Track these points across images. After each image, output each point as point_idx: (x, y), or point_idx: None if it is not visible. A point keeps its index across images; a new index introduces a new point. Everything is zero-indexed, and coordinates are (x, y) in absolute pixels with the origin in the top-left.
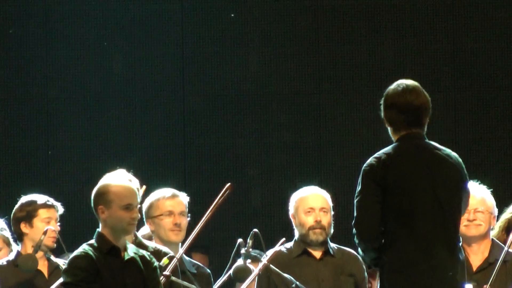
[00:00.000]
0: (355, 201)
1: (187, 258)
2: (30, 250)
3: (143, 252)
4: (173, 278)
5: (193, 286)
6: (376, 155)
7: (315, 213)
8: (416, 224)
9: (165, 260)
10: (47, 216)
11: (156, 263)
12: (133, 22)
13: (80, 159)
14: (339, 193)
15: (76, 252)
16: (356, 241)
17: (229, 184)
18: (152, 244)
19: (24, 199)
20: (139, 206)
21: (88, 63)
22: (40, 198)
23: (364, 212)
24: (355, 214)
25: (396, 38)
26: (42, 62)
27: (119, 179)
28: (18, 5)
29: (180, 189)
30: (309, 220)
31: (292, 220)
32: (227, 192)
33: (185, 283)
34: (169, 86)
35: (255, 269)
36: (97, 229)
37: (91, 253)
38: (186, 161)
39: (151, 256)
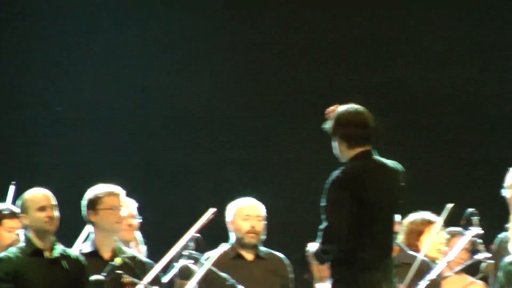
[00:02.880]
0: (325, 208)
1: (129, 250)
2: None
3: (71, 252)
4: (125, 276)
5: (139, 281)
6: (342, 169)
7: (251, 219)
8: (378, 235)
9: (118, 260)
10: (11, 226)
11: (85, 263)
12: (101, 52)
13: (51, 174)
14: (275, 205)
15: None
16: (323, 243)
17: (214, 210)
18: (129, 251)
19: None
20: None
21: (60, 87)
22: (6, 208)
23: (336, 217)
24: (326, 219)
25: (331, 69)
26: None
27: (33, 189)
28: None
29: (140, 200)
30: (245, 226)
31: (229, 226)
32: (212, 216)
33: (135, 280)
34: (132, 110)
35: (197, 269)
36: (25, 233)
37: (12, 255)
38: (146, 176)
39: (80, 256)
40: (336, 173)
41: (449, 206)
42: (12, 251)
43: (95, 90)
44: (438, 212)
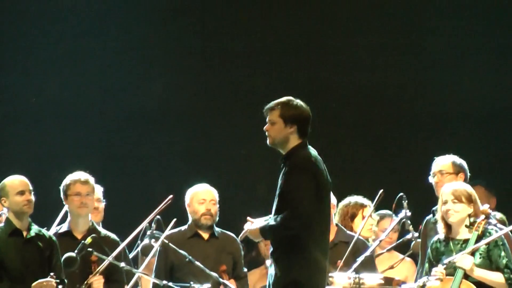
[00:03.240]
0: (293, 189)
1: (103, 231)
2: None
3: (45, 232)
4: (95, 253)
5: (107, 257)
6: (302, 155)
7: (206, 203)
8: (324, 215)
9: (89, 239)
10: None
11: (56, 242)
12: (66, 54)
13: (23, 163)
14: (223, 189)
15: None
16: (289, 219)
17: (171, 196)
18: (103, 231)
19: None
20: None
21: (29, 85)
22: None
23: (303, 197)
24: (294, 199)
25: (267, 71)
26: None
27: (12, 176)
28: None
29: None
30: (201, 208)
31: (187, 208)
32: (168, 202)
33: (103, 256)
34: (93, 106)
35: (156, 245)
36: (6, 215)
37: None
38: (105, 165)
39: (52, 237)
40: (297, 158)
41: (380, 191)
42: None
43: (60, 88)
44: (370, 196)
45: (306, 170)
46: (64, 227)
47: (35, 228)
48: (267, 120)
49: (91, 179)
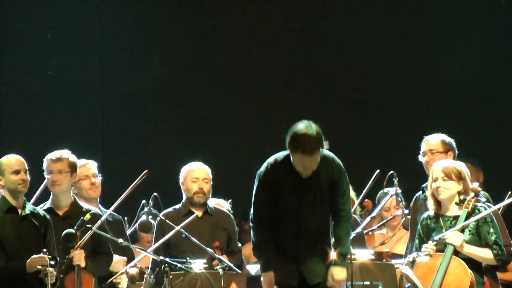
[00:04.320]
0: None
1: (85, 205)
2: None
3: (39, 210)
4: (94, 229)
5: (107, 234)
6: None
7: (199, 181)
8: None
9: (87, 216)
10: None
11: (49, 219)
12: (67, 36)
13: (23, 141)
14: (219, 168)
15: None
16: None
17: (146, 171)
18: (85, 206)
19: None
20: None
21: (30, 65)
22: None
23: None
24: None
25: (261, 52)
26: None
27: (8, 155)
28: None
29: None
30: (194, 187)
31: (181, 186)
32: (144, 177)
33: (102, 232)
34: (92, 85)
35: (154, 223)
36: (2, 193)
37: None
38: (104, 142)
39: (46, 214)
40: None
41: (377, 171)
42: None
43: (60, 69)
44: (363, 175)
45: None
46: (47, 204)
47: (29, 206)
48: (313, 159)
49: (66, 156)
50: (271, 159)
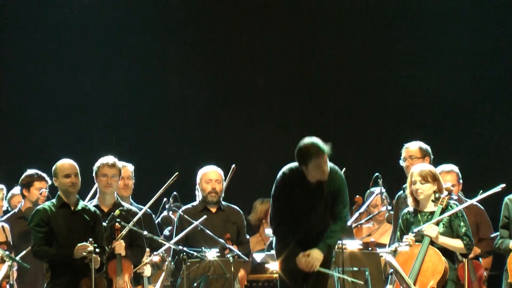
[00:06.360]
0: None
1: (135, 204)
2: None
3: (91, 207)
4: (122, 223)
5: (134, 227)
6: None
7: (212, 182)
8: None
9: (117, 212)
10: (39, 186)
11: (99, 215)
12: (99, 56)
13: (63, 150)
14: (229, 169)
15: (39, 207)
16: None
17: (177, 173)
18: (126, 205)
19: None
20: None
21: (64, 83)
22: (35, 173)
23: None
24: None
25: (266, 70)
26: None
27: (63, 160)
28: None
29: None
30: (208, 187)
31: (198, 186)
32: (175, 178)
33: (130, 225)
34: (120, 100)
35: (175, 218)
36: (47, 192)
37: (47, 207)
38: (131, 149)
39: (97, 210)
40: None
41: (376, 174)
42: (47, 204)
43: (93, 86)
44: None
45: None
46: (94, 202)
47: (81, 203)
48: (325, 159)
49: (118, 163)
50: (285, 168)
